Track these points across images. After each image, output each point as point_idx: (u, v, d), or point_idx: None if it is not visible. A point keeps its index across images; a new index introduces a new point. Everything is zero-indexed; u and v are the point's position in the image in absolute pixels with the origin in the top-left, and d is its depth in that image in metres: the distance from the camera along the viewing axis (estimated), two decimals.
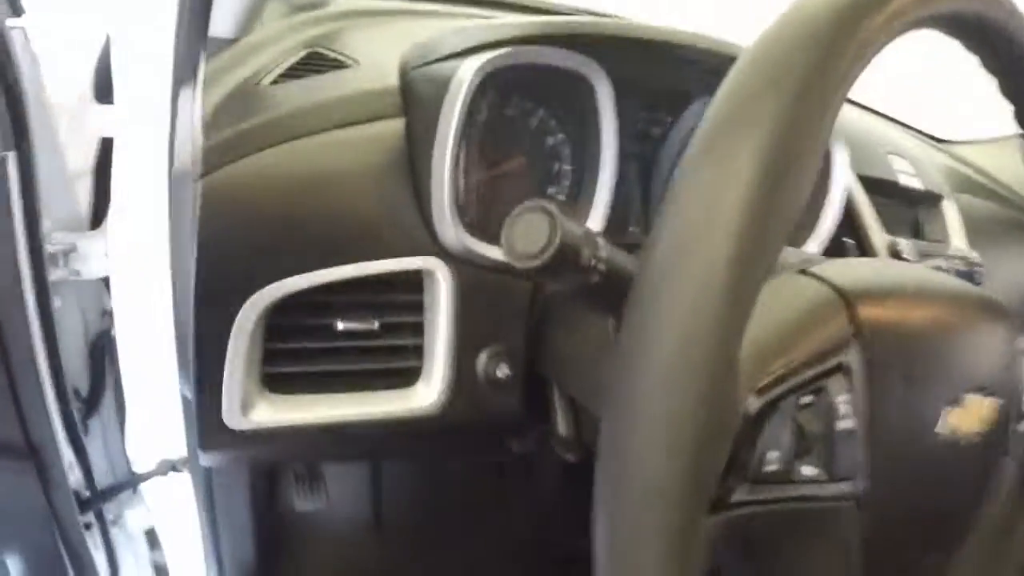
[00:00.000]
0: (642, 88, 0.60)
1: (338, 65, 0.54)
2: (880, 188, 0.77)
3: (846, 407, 0.30)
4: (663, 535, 0.22)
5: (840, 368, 0.30)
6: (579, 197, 0.57)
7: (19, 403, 0.52)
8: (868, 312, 0.32)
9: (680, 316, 0.22)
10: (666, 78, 0.60)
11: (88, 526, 0.65)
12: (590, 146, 0.56)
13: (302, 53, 0.54)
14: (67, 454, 0.60)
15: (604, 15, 0.86)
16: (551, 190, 0.58)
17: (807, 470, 0.30)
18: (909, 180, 0.80)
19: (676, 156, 0.60)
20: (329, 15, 0.62)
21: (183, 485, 0.73)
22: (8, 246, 0.52)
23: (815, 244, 0.64)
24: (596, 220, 0.56)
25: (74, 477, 0.62)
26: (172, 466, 0.75)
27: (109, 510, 0.74)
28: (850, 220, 0.71)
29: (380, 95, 0.51)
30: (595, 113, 0.54)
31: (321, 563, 0.84)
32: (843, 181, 0.63)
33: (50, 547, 0.59)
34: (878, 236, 0.72)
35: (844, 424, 0.30)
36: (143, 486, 0.75)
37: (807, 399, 0.30)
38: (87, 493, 0.65)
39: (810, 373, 0.30)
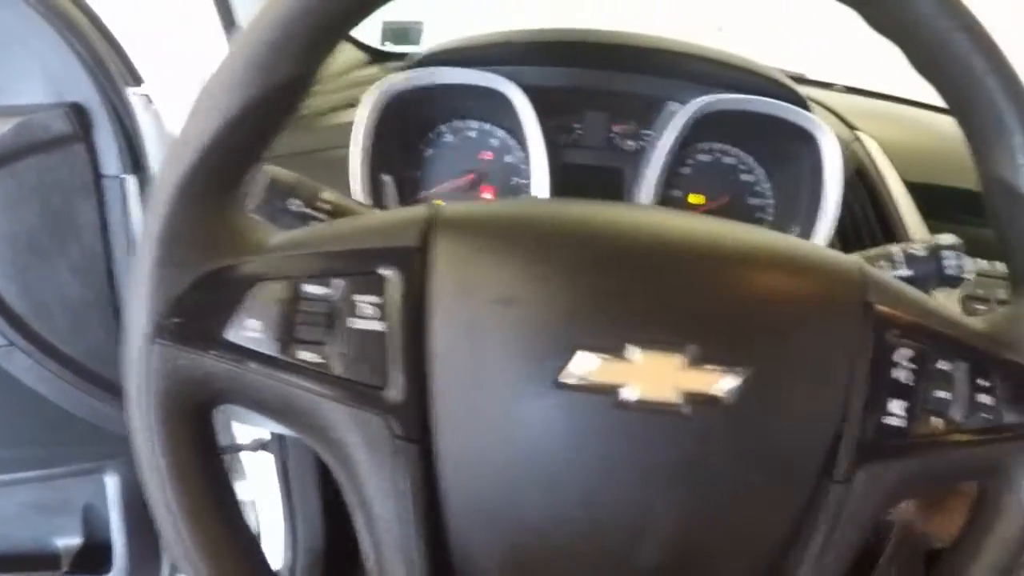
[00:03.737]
0: (610, 100, 0.67)
1: None
2: (962, 201, 0.71)
3: (373, 309, 0.33)
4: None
5: (376, 275, 0.33)
6: None
7: None
8: (444, 232, 0.34)
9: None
10: (636, 86, 0.66)
11: None
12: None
13: None
14: None
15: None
16: None
17: (304, 354, 0.33)
18: None
19: (650, 169, 0.65)
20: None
21: (267, 464, 0.92)
22: (128, 245, 0.77)
23: None
24: None
25: None
26: (262, 444, 0.95)
27: None
28: (889, 233, 0.67)
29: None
30: (520, 126, 0.63)
31: None
32: (837, 178, 0.61)
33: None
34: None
35: (366, 325, 0.33)
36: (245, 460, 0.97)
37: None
38: None
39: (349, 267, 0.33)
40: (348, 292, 0.33)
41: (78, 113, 0.76)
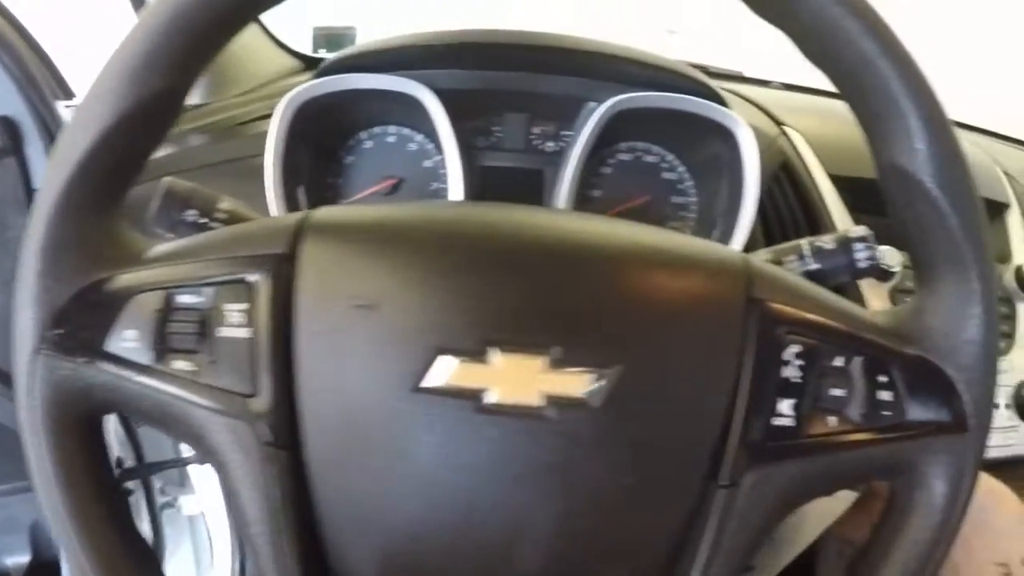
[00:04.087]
0: (529, 102, 0.67)
1: None
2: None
3: (240, 316, 0.34)
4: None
5: (244, 282, 0.34)
6: None
7: None
8: (312, 238, 0.34)
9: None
10: (555, 87, 0.66)
11: (131, 492, 0.88)
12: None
13: None
14: (112, 425, 0.83)
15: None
16: None
17: (178, 363, 0.34)
18: None
19: (567, 170, 0.64)
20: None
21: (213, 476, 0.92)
22: None
23: (737, 243, 0.63)
24: None
25: (118, 446, 0.85)
26: None
27: (165, 492, 0.97)
28: (815, 227, 0.67)
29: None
30: (435, 131, 0.63)
31: None
32: (755, 174, 0.62)
33: None
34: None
35: (234, 332, 0.34)
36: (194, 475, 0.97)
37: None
38: (132, 463, 0.88)
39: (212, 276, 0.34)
40: (218, 300, 0.34)
41: (9, 127, 0.76)
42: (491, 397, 0.32)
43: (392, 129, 0.68)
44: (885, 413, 0.35)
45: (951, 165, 0.34)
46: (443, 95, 0.63)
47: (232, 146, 0.71)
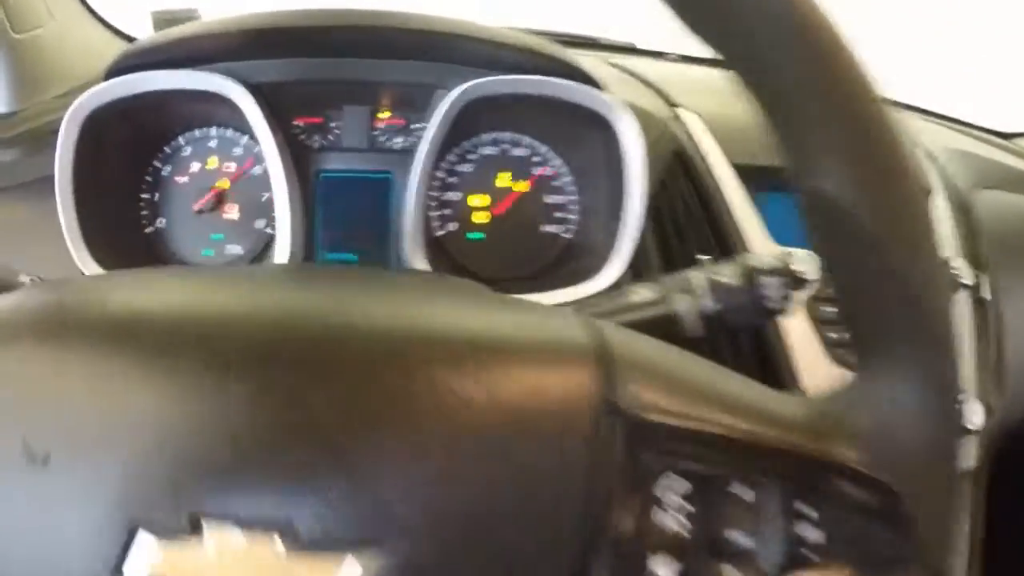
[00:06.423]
0: (371, 92, 0.57)
1: None
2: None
3: None
4: None
5: None
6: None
7: None
8: None
9: None
10: (400, 74, 0.57)
11: None
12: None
13: None
14: None
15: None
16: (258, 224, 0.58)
17: None
18: None
19: (413, 170, 0.55)
20: None
21: None
22: None
23: (623, 252, 0.54)
24: (283, 250, 0.54)
25: None
26: None
27: None
28: (716, 228, 0.58)
29: None
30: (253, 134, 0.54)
31: None
32: (640, 168, 0.53)
33: None
34: (760, 244, 0.57)
35: None
36: None
37: None
38: None
39: None
40: None
41: None
42: None
43: (214, 132, 0.59)
44: (806, 553, 0.24)
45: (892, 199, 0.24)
46: (261, 90, 0.54)
47: (46, 160, 0.62)
